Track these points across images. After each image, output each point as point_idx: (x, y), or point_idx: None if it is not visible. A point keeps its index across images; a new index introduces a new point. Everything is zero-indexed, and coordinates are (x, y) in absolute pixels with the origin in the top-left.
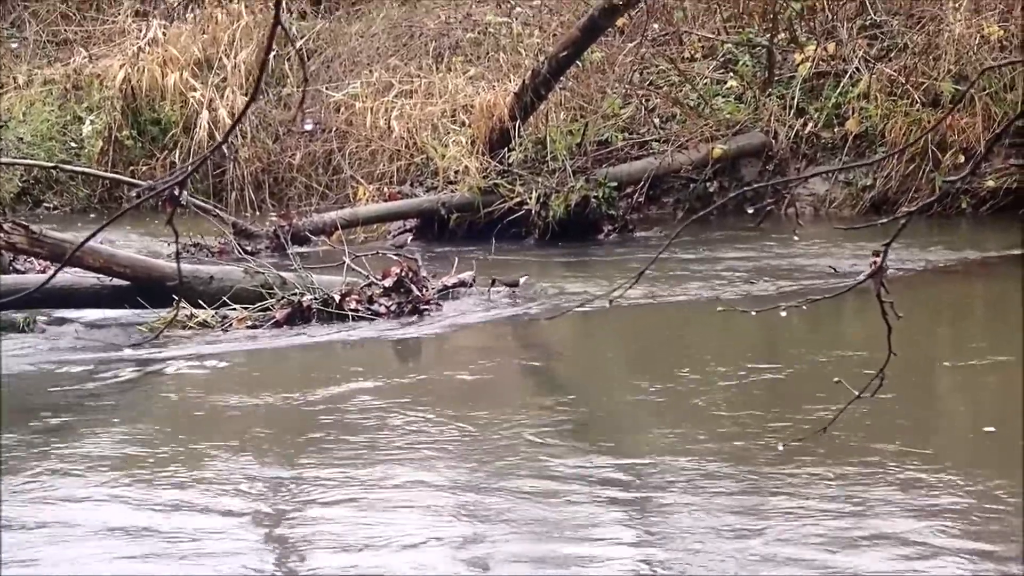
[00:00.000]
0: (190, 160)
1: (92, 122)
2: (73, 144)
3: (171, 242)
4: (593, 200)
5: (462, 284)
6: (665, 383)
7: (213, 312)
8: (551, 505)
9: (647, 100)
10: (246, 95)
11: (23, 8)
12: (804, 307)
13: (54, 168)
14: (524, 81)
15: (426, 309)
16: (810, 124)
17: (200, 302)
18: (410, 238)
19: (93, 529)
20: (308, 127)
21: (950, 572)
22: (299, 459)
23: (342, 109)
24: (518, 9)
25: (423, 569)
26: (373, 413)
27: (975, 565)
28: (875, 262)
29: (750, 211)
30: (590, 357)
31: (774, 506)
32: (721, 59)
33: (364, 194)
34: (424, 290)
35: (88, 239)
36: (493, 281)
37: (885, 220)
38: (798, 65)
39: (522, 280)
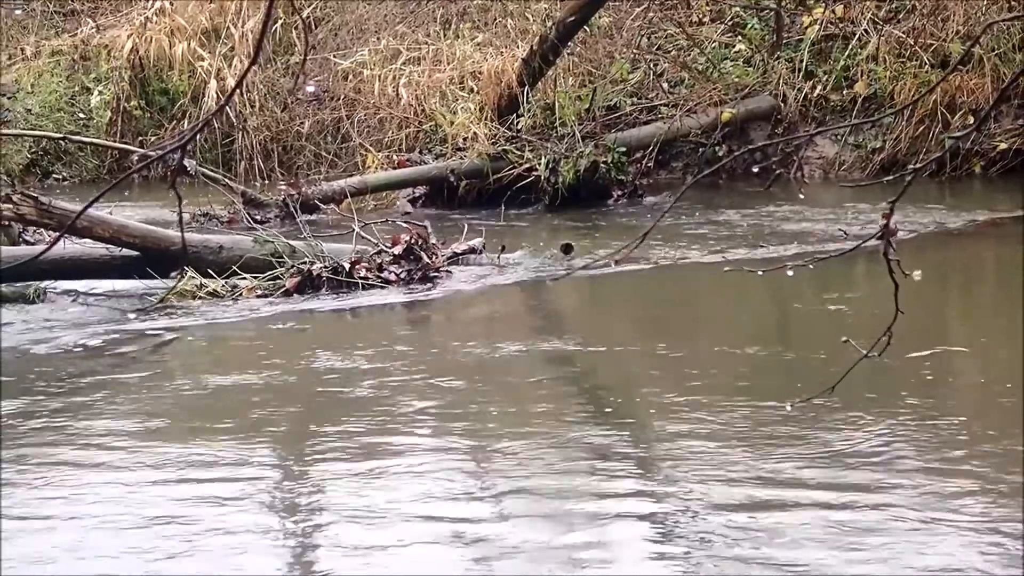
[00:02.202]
0: (193, 127)
1: (100, 93)
2: (82, 115)
3: (176, 210)
4: (602, 166)
5: (472, 251)
6: (672, 344)
7: (223, 281)
8: (560, 469)
9: (655, 65)
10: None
11: None
12: (811, 266)
13: (62, 139)
14: (532, 47)
15: (436, 276)
16: (819, 87)
17: (210, 271)
18: (410, 207)
19: (98, 510)
20: (310, 89)
21: (963, 525)
22: (308, 428)
23: (350, 77)
24: None
25: (432, 541)
26: (383, 381)
27: (985, 522)
28: (884, 224)
29: (755, 169)
30: (599, 321)
31: (784, 466)
32: (729, 22)
33: (373, 162)
34: (434, 257)
35: (87, 207)
36: (502, 247)
37: (891, 177)
38: (806, 28)
39: (574, 245)
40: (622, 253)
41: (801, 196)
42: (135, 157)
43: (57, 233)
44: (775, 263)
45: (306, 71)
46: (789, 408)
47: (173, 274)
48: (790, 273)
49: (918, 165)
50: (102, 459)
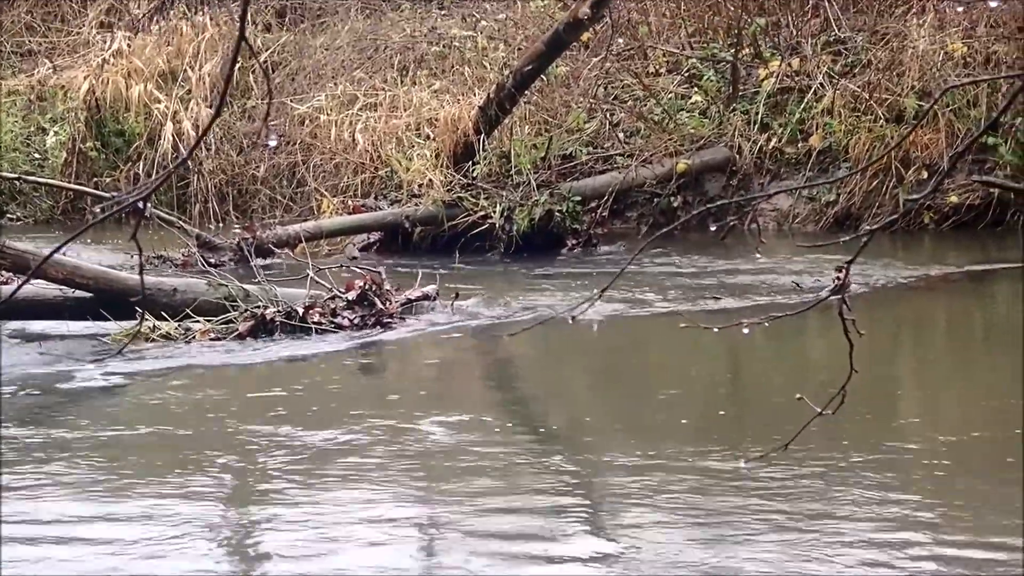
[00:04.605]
0: (155, 173)
1: (56, 133)
2: (37, 155)
3: (135, 255)
4: (557, 214)
5: (426, 297)
6: (626, 399)
7: (176, 324)
8: (512, 519)
9: (611, 114)
10: (210, 107)
11: None
12: (767, 324)
13: (17, 179)
14: (489, 95)
15: (389, 322)
16: (774, 139)
17: (163, 314)
18: (357, 253)
19: (50, 554)
20: (272, 143)
21: None
22: (258, 473)
23: (307, 122)
24: (483, 23)
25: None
26: (334, 426)
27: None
28: (838, 278)
29: (712, 228)
30: (552, 372)
31: (737, 522)
32: (686, 74)
33: (328, 207)
34: (388, 303)
35: (53, 252)
36: (456, 294)
37: (848, 237)
38: (762, 80)
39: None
40: (579, 309)
41: (759, 255)
42: (98, 208)
43: (12, 274)
44: (730, 315)
45: (268, 123)
46: (744, 465)
47: (133, 324)
48: (746, 331)
49: (874, 227)
50: (47, 507)
